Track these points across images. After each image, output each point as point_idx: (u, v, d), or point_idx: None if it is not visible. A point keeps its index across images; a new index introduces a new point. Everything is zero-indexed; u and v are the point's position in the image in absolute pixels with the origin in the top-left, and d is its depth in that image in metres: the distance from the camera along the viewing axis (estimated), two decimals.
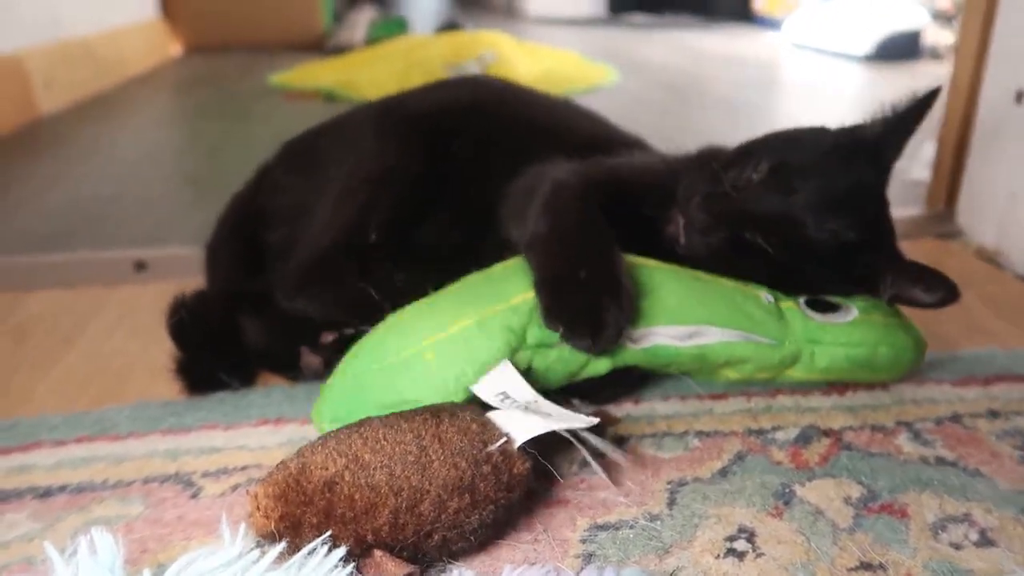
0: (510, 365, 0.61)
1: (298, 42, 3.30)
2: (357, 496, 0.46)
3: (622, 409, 0.70)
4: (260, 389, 0.75)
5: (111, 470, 0.62)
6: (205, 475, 0.61)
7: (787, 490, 0.59)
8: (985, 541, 0.54)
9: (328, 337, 0.77)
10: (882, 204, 0.74)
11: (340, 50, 3.11)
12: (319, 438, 0.51)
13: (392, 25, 3.99)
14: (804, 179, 0.68)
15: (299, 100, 2.33)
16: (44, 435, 0.67)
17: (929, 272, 0.68)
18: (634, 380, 0.72)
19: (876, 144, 0.73)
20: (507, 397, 0.59)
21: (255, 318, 0.81)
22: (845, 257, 0.69)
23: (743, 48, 3.47)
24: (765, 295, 0.72)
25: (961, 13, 1.21)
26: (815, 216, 0.67)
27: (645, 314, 0.66)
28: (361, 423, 0.52)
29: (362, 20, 3.56)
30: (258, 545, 0.47)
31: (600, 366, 0.66)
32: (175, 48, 3.22)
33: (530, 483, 0.54)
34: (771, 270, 0.71)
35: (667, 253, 0.71)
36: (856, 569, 0.51)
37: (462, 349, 0.61)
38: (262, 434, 0.67)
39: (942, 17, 2.92)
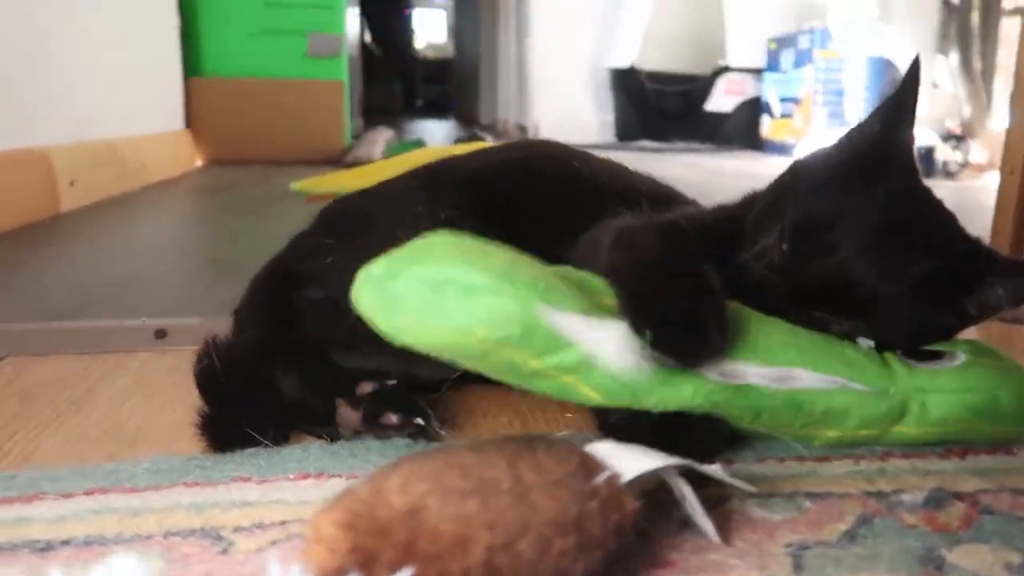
0: (584, 319, 0.55)
1: (319, 157, 3.37)
2: (444, 528, 0.37)
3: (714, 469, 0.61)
4: (296, 445, 0.66)
5: (126, 522, 0.52)
6: (236, 530, 0.52)
7: (933, 555, 0.50)
8: None
9: (366, 387, 0.69)
10: (933, 205, 0.67)
11: (359, 164, 3.16)
12: (391, 464, 0.42)
13: (410, 144, 4.11)
14: (835, 228, 0.62)
15: (320, 201, 2.33)
16: (47, 486, 0.57)
17: None
18: (724, 436, 0.63)
19: (886, 141, 0.66)
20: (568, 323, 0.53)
21: (289, 370, 0.73)
22: (931, 290, 0.62)
23: (756, 167, 3.54)
24: (863, 340, 0.64)
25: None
26: (870, 267, 0.61)
27: (734, 349, 0.59)
28: (440, 449, 0.44)
29: (380, 139, 3.65)
30: None
31: (681, 390, 0.57)
32: (197, 160, 3.27)
33: (642, 527, 0.44)
34: (859, 332, 0.64)
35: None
36: None
37: (543, 279, 0.55)
38: (302, 489, 0.57)
39: (952, 137, 2.99)
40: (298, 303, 0.86)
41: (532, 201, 0.86)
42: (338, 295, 0.82)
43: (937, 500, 0.57)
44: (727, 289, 0.65)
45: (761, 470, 0.61)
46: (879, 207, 0.62)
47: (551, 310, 0.53)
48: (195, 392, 0.71)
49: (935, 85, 3.16)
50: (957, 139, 2.97)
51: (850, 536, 0.52)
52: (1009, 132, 1.18)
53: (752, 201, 0.76)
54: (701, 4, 4.79)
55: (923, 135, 2.94)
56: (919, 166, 0.68)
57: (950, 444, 0.64)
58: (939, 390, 0.62)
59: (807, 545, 0.51)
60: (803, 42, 3.84)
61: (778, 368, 0.60)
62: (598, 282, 0.61)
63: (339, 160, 3.33)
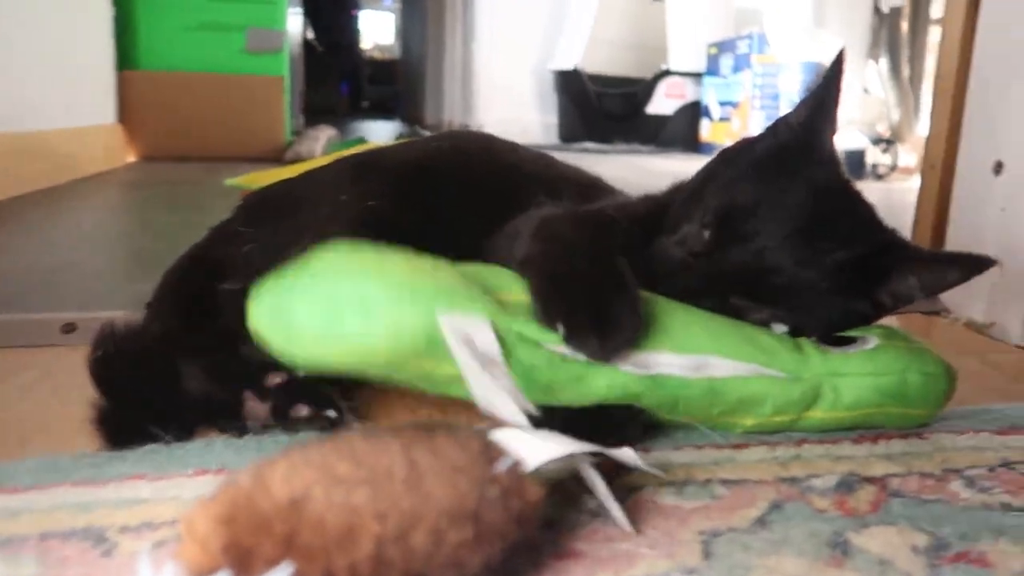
0: (489, 325, 0.52)
1: (257, 154, 3.29)
2: (330, 519, 0.35)
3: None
4: (199, 441, 0.63)
5: (1, 525, 0.49)
6: (123, 530, 0.49)
7: (840, 539, 0.49)
8: None
9: (275, 379, 0.65)
10: (852, 196, 0.68)
11: (300, 161, 3.10)
12: (280, 454, 0.40)
13: (351, 143, 4.04)
14: (756, 215, 0.63)
15: None
16: None
17: (944, 254, 0.64)
18: (640, 425, 0.62)
19: (809, 132, 0.66)
20: (471, 344, 0.50)
21: (195, 362, 0.70)
22: (846, 279, 0.63)
23: (694, 168, 3.58)
24: (777, 326, 0.64)
25: (933, 97, 1.22)
26: (788, 254, 0.61)
27: (648, 339, 0.58)
28: (332, 437, 0.41)
29: (322, 136, 3.58)
30: None
31: (595, 385, 0.56)
32: (130, 155, 3.17)
33: (545, 516, 0.43)
34: (775, 319, 0.65)
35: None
36: None
37: (443, 285, 0.53)
38: (200, 485, 0.54)
39: (882, 140, 3.07)
40: (217, 294, 0.82)
41: (460, 190, 0.84)
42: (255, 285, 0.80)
43: (848, 484, 0.57)
44: (648, 275, 0.65)
45: (678, 458, 0.61)
46: (800, 197, 0.62)
47: (454, 318, 0.51)
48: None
49: (866, 90, 3.25)
50: (887, 143, 3.06)
51: (761, 522, 0.51)
52: (930, 129, 1.21)
53: (678, 190, 0.76)
54: (643, 9, 4.83)
55: (854, 138, 3.01)
56: (841, 159, 0.68)
57: (863, 430, 0.65)
58: (851, 373, 0.62)
59: (718, 532, 0.50)
60: (742, 47, 3.91)
61: (693, 356, 0.59)
62: (504, 277, 0.59)
63: (279, 157, 3.25)
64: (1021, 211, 1.02)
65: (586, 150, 4.50)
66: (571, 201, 0.81)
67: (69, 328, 0.94)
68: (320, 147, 3.35)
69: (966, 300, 1.10)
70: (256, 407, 0.64)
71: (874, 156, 2.99)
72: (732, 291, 0.64)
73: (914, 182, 2.85)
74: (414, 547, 0.36)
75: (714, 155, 0.74)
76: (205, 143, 3.31)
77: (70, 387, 0.76)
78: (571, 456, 0.45)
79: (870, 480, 0.57)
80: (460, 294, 0.53)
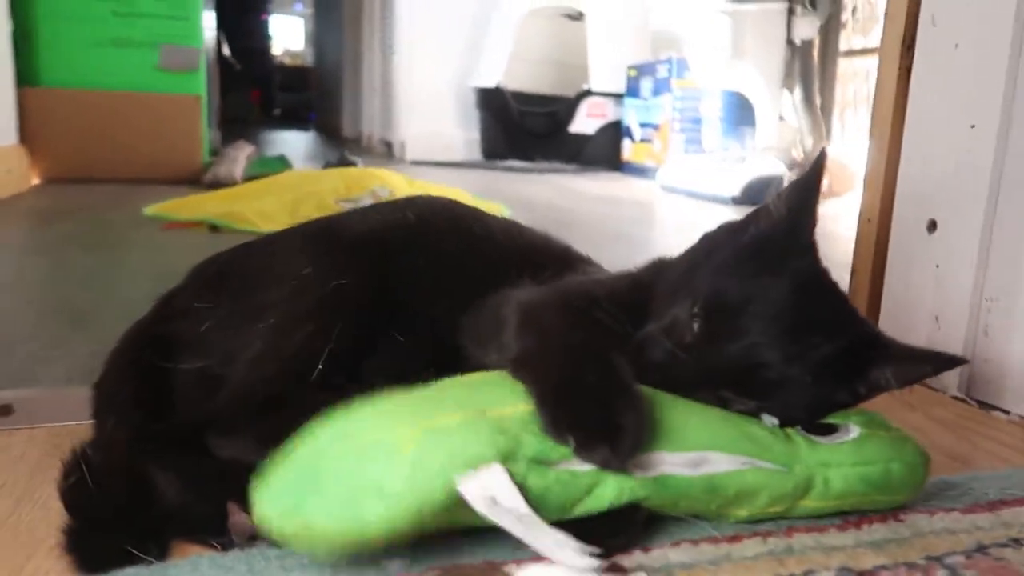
0: (502, 469, 0.52)
1: (174, 177, 3.16)
2: None
3: (633, 559, 0.60)
4: (181, 560, 0.59)
5: None
6: None
7: None
8: None
9: None
10: (832, 289, 0.71)
11: (219, 184, 2.99)
12: None
13: (273, 162, 3.94)
14: (745, 310, 0.65)
15: (180, 230, 2.18)
16: None
17: (917, 349, 0.69)
18: (640, 523, 0.62)
19: (791, 225, 0.69)
20: (496, 503, 0.50)
21: (170, 468, 0.66)
22: (830, 372, 0.65)
23: (619, 190, 3.66)
24: (767, 418, 0.66)
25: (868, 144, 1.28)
26: (777, 351, 0.63)
27: (652, 440, 0.59)
28: None
29: (241, 155, 3.48)
30: None
31: (605, 495, 0.57)
32: (33, 178, 2.98)
33: None
34: (763, 411, 0.66)
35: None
36: None
37: (449, 441, 0.52)
38: None
39: (796, 166, 3.21)
40: (171, 376, 0.78)
41: (428, 266, 0.83)
42: (215, 366, 0.76)
43: None
44: (637, 365, 0.65)
45: (677, 556, 0.61)
46: (786, 292, 0.64)
47: (473, 482, 0.51)
48: (52, 490, 0.63)
49: (781, 118, 3.39)
50: (802, 168, 3.20)
51: None
52: (866, 183, 1.27)
53: (659, 269, 0.77)
54: (565, 28, 4.91)
55: (772, 165, 3.14)
56: (816, 245, 0.71)
57: (847, 515, 0.67)
58: (839, 464, 0.64)
59: None
60: (661, 71, 4.02)
61: (692, 453, 0.60)
62: (499, 389, 0.59)
63: (197, 180, 3.13)
64: (954, 269, 1.09)
65: (511, 168, 4.53)
66: (545, 275, 0.81)
67: (6, 411, 0.87)
68: (240, 169, 3.25)
69: None
70: (242, 520, 0.61)
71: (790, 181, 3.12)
72: (723, 385, 0.65)
73: (827, 205, 2.99)
74: None
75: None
76: (115, 164, 3.16)
77: (17, 483, 0.70)
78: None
79: (862, 574, 0.59)
80: (470, 445, 0.52)
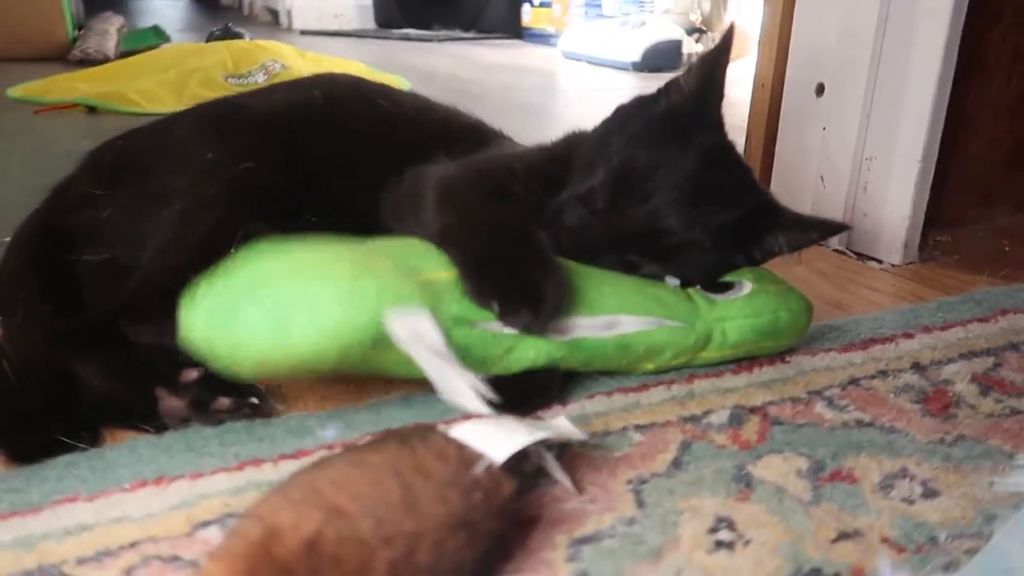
0: (429, 313, 0.55)
1: (36, 53, 2.88)
2: (345, 554, 0.38)
3: (552, 414, 0.66)
4: (117, 444, 0.60)
5: None
6: (80, 562, 0.48)
7: (743, 472, 0.58)
8: (930, 492, 0.56)
9: (191, 374, 0.64)
10: (738, 163, 0.76)
11: (90, 62, 2.75)
12: (272, 492, 0.41)
13: (147, 34, 3.63)
14: (652, 178, 0.68)
15: (53, 113, 2.02)
16: None
17: (807, 217, 0.75)
18: (558, 382, 0.67)
19: (700, 100, 0.72)
20: (419, 341, 0.53)
21: (91, 360, 0.66)
22: (727, 238, 0.71)
23: (521, 59, 3.58)
24: (670, 279, 0.71)
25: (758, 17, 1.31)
26: (680, 217, 0.68)
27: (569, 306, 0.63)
28: (319, 465, 0.43)
29: (111, 28, 3.19)
30: None
31: (523, 356, 0.61)
32: None
33: (518, 505, 0.47)
34: (666, 273, 0.71)
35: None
36: (837, 540, 0.51)
37: (382, 278, 0.54)
38: (143, 499, 0.53)
39: (695, 30, 3.22)
40: (74, 267, 0.76)
41: (339, 146, 0.82)
42: (122, 255, 0.75)
43: (737, 417, 0.66)
44: (552, 231, 0.68)
45: (593, 407, 0.67)
46: (690, 162, 0.68)
47: (400, 316, 0.52)
48: None
49: None
50: (699, 32, 3.22)
51: (676, 464, 0.59)
52: (760, 49, 1.30)
53: (575, 141, 0.79)
54: None
55: (671, 29, 3.14)
56: (722, 119, 0.74)
57: (740, 360, 0.74)
58: (734, 317, 0.70)
59: (644, 479, 0.57)
60: None
61: (604, 317, 0.65)
62: (426, 256, 0.61)
63: (63, 56, 2.87)
64: (838, 130, 1.15)
65: (407, 37, 4.33)
66: (458, 149, 0.82)
67: None
68: (112, 44, 2.99)
69: (794, 208, 1.24)
70: (172, 403, 0.62)
71: (689, 46, 3.13)
72: (629, 250, 0.69)
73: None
74: (420, 562, 0.40)
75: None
76: None
77: None
78: (531, 443, 0.49)
79: (753, 410, 0.67)
80: (400, 287, 0.54)
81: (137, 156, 0.82)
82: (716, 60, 0.71)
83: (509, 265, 0.60)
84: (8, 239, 0.79)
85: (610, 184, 0.68)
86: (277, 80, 2.28)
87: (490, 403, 0.53)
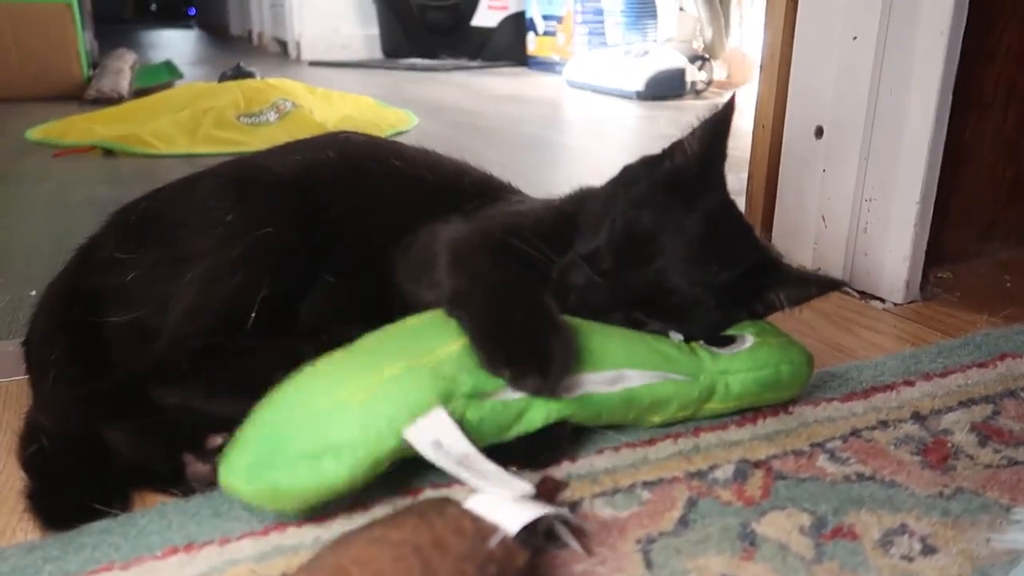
0: (444, 412, 0.58)
1: (52, 92, 2.95)
2: None
3: (562, 470, 0.68)
4: (147, 509, 0.63)
5: None
6: None
7: (748, 530, 0.60)
8: (928, 549, 0.58)
9: (216, 440, 0.66)
10: (739, 223, 0.79)
11: (105, 101, 2.82)
12: (301, 570, 0.44)
13: (160, 71, 3.71)
14: (656, 239, 0.71)
15: (71, 156, 2.07)
16: None
17: (806, 274, 0.77)
18: (567, 437, 0.70)
19: (703, 161, 0.74)
20: (441, 447, 0.56)
21: (119, 426, 0.69)
22: (730, 295, 0.73)
23: (526, 89, 3.63)
24: (674, 334, 0.74)
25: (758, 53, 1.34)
26: (683, 276, 0.71)
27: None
28: (342, 542, 0.45)
29: (125, 66, 3.26)
30: None
31: (534, 418, 0.64)
32: None
33: (530, 573, 0.50)
34: (670, 329, 0.74)
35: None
36: None
37: (394, 392, 0.57)
38: (174, 566, 0.56)
39: (698, 58, 3.26)
40: (101, 329, 0.80)
41: (354, 206, 0.85)
42: (147, 317, 0.78)
43: (742, 472, 0.68)
44: (559, 291, 0.71)
45: (601, 463, 0.69)
46: (694, 224, 0.71)
47: (418, 429, 0.56)
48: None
49: (682, 9, 3.41)
50: (702, 59, 3.26)
51: (683, 522, 0.61)
52: (759, 90, 1.34)
53: (581, 198, 0.82)
54: None
55: (674, 58, 3.18)
56: (725, 180, 0.77)
57: (744, 412, 0.76)
58: (737, 370, 0.73)
59: (652, 538, 0.59)
60: None
61: (610, 372, 0.68)
62: (436, 331, 0.64)
63: (79, 95, 2.94)
64: (838, 172, 1.18)
65: (414, 67, 4.40)
66: (470, 205, 0.85)
67: None
68: (126, 82, 3.06)
69: (796, 249, 1.27)
70: (199, 469, 0.65)
71: (692, 74, 3.17)
72: (634, 308, 0.72)
73: (728, 95, 3.09)
74: None
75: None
76: None
77: None
78: (543, 515, 0.51)
79: (757, 464, 0.69)
80: (412, 393, 0.57)
81: (160, 218, 0.85)
82: (719, 123, 0.74)
83: (517, 330, 0.62)
84: (34, 292, 0.83)
85: (615, 245, 0.71)
86: (289, 118, 2.33)
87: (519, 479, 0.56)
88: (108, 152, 2.09)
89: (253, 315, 0.74)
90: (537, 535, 0.53)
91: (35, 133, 2.29)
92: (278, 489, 0.54)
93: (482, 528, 0.48)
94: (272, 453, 0.54)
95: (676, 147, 0.77)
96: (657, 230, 0.71)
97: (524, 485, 0.54)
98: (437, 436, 0.55)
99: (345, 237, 0.84)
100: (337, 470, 0.54)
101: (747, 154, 1.37)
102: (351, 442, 0.54)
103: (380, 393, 0.56)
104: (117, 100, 2.83)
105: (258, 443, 0.55)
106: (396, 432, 0.55)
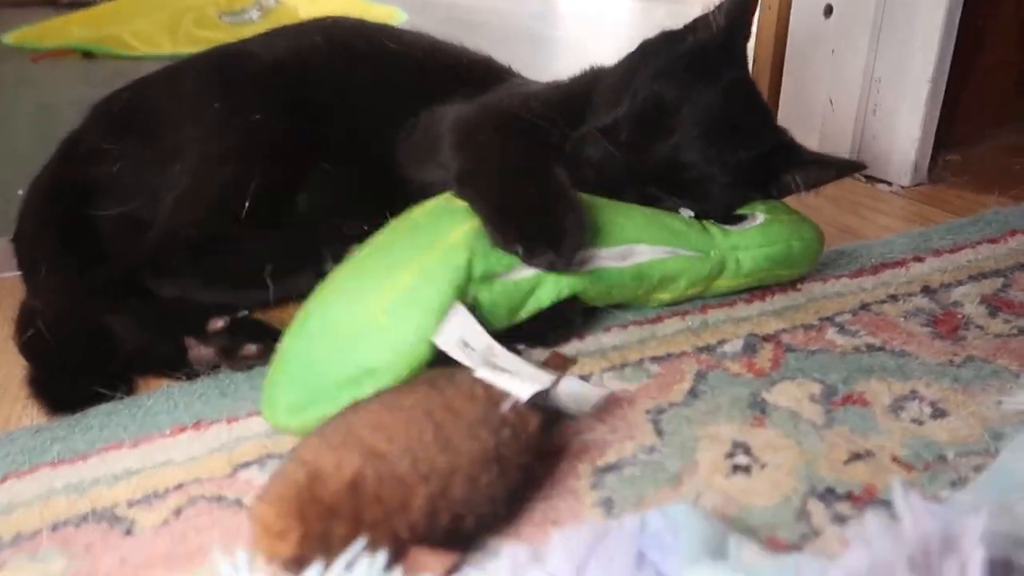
0: (463, 308, 0.56)
1: None
2: (385, 493, 0.40)
3: (572, 347, 0.67)
4: (152, 392, 0.63)
5: (1, 524, 0.49)
6: (131, 504, 0.50)
7: (758, 399, 0.60)
8: (939, 412, 0.58)
9: (218, 323, 0.66)
10: (756, 100, 0.76)
11: (80, 3, 2.70)
12: (312, 436, 0.43)
13: None
14: (676, 113, 0.69)
15: (50, 60, 1.99)
16: None
17: (825, 156, 0.75)
18: (577, 316, 0.69)
19: (727, 38, 0.72)
20: (467, 346, 0.55)
21: (119, 312, 0.67)
22: (746, 175, 0.71)
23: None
24: (684, 210, 0.72)
25: None
26: (701, 153, 0.68)
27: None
28: (355, 409, 0.45)
29: None
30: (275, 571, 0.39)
31: (545, 295, 0.63)
32: None
33: (545, 438, 0.49)
34: (683, 206, 0.72)
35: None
36: (850, 461, 0.53)
37: (413, 302, 0.55)
38: (184, 443, 0.56)
39: None
40: (93, 222, 0.77)
41: (348, 91, 0.82)
42: (137, 209, 0.76)
43: (751, 346, 0.67)
44: (572, 166, 0.69)
45: (610, 340, 0.69)
46: (714, 100, 0.68)
47: (443, 333, 0.54)
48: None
49: None
50: None
51: (693, 393, 0.61)
52: None
53: (593, 77, 0.79)
54: None
55: None
56: (747, 57, 0.74)
57: (753, 290, 0.75)
58: (748, 247, 0.71)
59: (662, 409, 0.59)
60: None
61: (621, 247, 0.66)
62: (445, 219, 0.61)
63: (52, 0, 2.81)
64: (847, 52, 1.14)
65: None
66: (470, 88, 0.81)
67: None
68: None
69: (802, 133, 1.22)
70: (202, 352, 0.64)
71: None
72: (650, 182, 0.70)
73: None
74: (455, 496, 0.42)
75: (636, 47, 0.77)
76: None
77: None
78: (551, 383, 0.51)
79: (766, 338, 0.68)
80: (432, 300, 0.55)
81: (145, 108, 0.82)
82: (745, 1, 0.70)
83: (529, 207, 0.60)
84: (21, 192, 0.80)
85: (635, 117, 0.69)
86: (272, 16, 2.24)
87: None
88: (87, 54, 2.01)
89: (247, 204, 0.72)
90: (548, 402, 0.52)
91: (11, 37, 2.20)
92: (320, 419, 0.52)
93: (494, 394, 0.47)
94: (310, 389, 0.52)
95: (700, 21, 0.73)
96: (677, 104, 0.68)
97: (548, 377, 0.53)
98: (462, 335, 0.54)
99: (339, 123, 0.80)
100: (379, 388, 0.52)
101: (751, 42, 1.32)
102: (385, 362, 0.52)
103: (401, 310, 0.54)
104: (93, 2, 2.70)
105: (294, 380, 0.53)
106: (425, 341, 0.53)
